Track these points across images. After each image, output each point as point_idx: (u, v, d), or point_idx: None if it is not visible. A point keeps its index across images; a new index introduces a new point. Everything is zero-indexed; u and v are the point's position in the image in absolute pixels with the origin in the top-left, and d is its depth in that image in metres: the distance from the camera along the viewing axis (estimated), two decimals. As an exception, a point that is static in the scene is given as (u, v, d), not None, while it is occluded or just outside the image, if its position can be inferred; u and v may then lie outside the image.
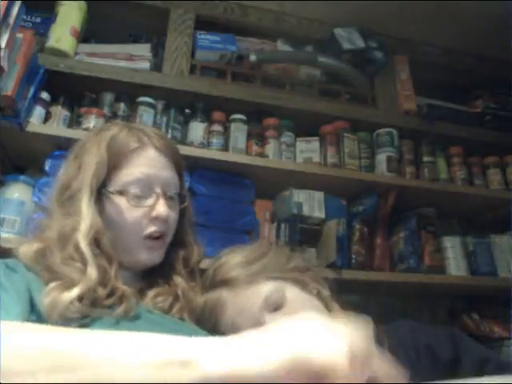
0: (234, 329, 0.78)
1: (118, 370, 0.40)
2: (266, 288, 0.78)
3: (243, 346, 0.43)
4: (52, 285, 0.68)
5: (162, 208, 0.81)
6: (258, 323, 0.76)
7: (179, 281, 0.85)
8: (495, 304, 1.66)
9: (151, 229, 0.81)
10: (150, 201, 0.81)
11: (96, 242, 0.75)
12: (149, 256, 0.82)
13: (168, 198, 0.83)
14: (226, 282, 0.80)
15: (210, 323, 0.80)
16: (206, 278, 0.84)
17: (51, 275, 0.71)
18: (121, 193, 0.79)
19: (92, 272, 0.70)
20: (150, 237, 0.81)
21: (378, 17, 1.75)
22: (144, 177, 0.81)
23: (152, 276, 0.85)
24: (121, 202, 0.79)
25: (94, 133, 0.88)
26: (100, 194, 0.79)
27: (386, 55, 1.76)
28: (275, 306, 0.77)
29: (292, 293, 0.79)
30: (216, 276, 0.82)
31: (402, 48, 1.86)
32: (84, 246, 0.73)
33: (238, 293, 0.78)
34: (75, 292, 0.67)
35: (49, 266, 0.73)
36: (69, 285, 0.68)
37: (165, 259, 0.86)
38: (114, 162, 0.80)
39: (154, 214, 0.80)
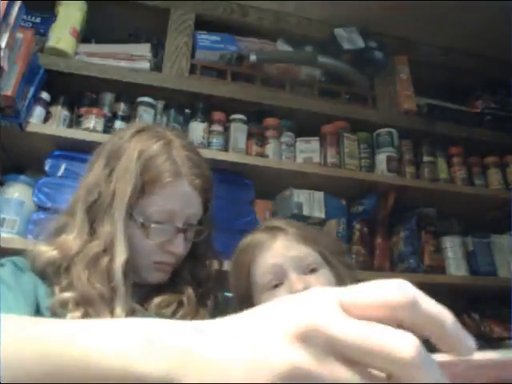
0: (262, 277, 0.82)
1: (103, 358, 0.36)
2: (307, 252, 0.81)
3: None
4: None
5: (179, 246, 0.80)
6: (283, 278, 0.80)
7: (185, 287, 0.84)
8: (495, 304, 1.66)
9: (163, 258, 0.81)
10: (168, 233, 0.80)
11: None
12: (156, 277, 0.83)
13: (186, 230, 0.82)
14: (279, 229, 0.84)
15: (243, 269, 0.84)
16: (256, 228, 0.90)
17: (71, 290, 0.72)
18: (143, 225, 0.78)
19: (121, 316, 0.70)
20: (160, 263, 0.82)
21: (378, 17, 1.75)
22: (169, 210, 0.79)
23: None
24: (141, 232, 0.79)
25: (131, 136, 0.83)
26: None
27: (385, 55, 1.76)
28: (305, 272, 0.80)
29: (325, 275, 0.81)
30: (271, 224, 0.88)
31: (401, 48, 1.86)
32: (120, 279, 0.73)
33: (282, 243, 0.82)
34: None
35: (70, 281, 0.73)
36: None
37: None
38: (146, 187, 0.78)
39: (170, 249, 0.80)
